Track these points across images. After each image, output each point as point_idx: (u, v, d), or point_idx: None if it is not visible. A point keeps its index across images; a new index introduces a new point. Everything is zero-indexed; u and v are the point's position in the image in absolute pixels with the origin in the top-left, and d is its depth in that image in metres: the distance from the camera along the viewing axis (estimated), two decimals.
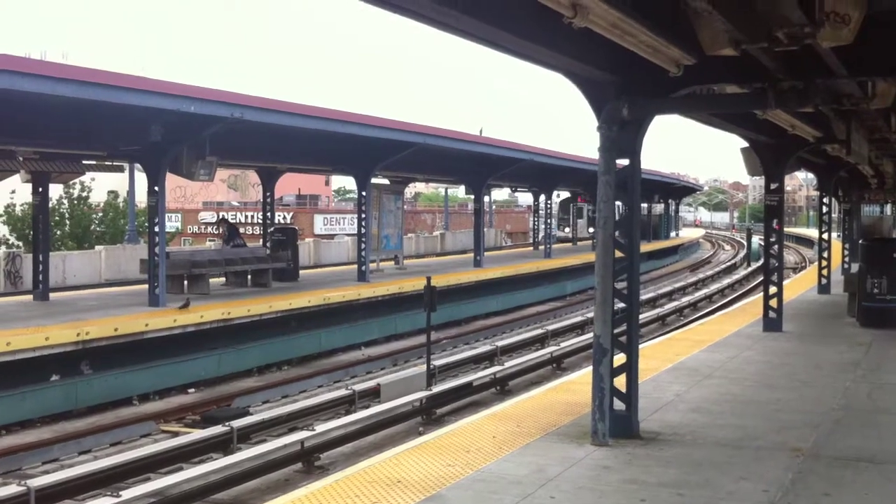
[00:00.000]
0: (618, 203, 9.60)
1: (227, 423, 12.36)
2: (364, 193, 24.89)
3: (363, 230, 24.97)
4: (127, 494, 9.20)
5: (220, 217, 21.64)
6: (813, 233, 51.04)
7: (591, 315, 22.91)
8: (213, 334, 17.82)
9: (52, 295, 19.63)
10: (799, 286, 27.41)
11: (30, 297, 19.64)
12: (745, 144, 17.55)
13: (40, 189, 19.39)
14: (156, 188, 18.25)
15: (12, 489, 9.41)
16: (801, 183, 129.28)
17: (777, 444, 9.10)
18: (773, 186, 17.31)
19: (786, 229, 24.57)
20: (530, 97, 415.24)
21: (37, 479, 9.97)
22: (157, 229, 18.28)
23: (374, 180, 26.24)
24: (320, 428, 12.19)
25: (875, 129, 16.01)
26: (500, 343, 20.44)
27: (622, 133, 9.22)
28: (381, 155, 24.06)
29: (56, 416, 14.40)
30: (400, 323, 23.21)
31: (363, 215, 24.99)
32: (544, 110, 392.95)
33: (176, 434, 13.03)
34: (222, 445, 12.05)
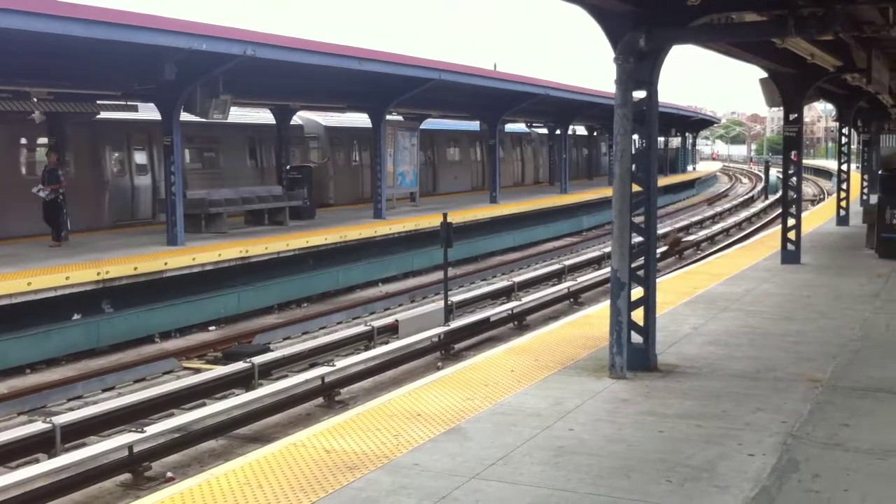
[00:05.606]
0: (634, 137, 9.51)
1: (248, 360, 12.51)
2: (379, 130, 24.76)
3: (378, 167, 24.91)
4: (151, 430, 9.36)
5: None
6: (831, 164, 50.53)
7: (607, 250, 22.95)
8: (231, 272, 17.93)
9: (70, 235, 19.68)
10: (817, 218, 27.26)
11: (48, 237, 19.68)
12: (765, 75, 17.31)
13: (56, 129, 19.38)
14: (171, 128, 18.22)
15: (38, 426, 9.57)
16: (819, 114, 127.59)
17: (795, 376, 9.11)
18: (791, 117, 17.13)
19: (804, 161, 24.33)
20: (545, 34, 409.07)
21: (62, 415, 10.13)
22: (173, 169, 18.28)
23: (388, 117, 26.08)
24: (340, 363, 12.32)
25: None
26: (518, 279, 20.48)
27: (639, 65, 9.10)
28: (395, 91, 23.90)
29: (79, 355, 14.60)
30: (417, 259, 23.28)
31: (378, 152, 24.90)
32: (559, 47, 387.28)
33: (198, 371, 13.19)
34: (244, 381, 12.21)
